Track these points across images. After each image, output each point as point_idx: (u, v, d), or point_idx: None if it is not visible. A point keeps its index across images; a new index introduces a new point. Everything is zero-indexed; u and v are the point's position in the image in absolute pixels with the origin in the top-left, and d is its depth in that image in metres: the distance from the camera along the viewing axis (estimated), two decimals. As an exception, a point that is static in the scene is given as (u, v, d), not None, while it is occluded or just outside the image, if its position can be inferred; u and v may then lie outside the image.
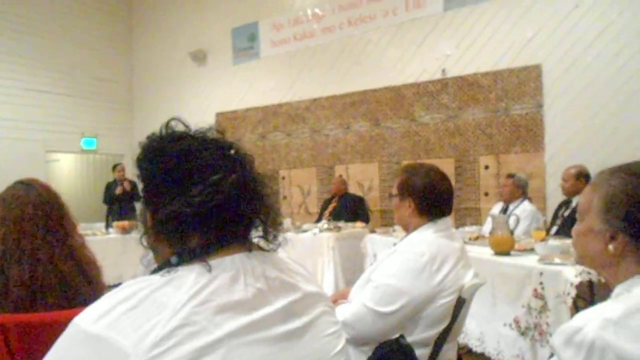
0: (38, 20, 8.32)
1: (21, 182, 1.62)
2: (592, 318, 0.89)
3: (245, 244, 0.88)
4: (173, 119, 0.91)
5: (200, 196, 0.82)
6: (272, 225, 0.92)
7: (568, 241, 3.22)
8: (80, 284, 1.54)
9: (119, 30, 9.66)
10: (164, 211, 0.84)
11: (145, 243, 0.92)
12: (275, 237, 0.93)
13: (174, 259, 0.84)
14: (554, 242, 3.12)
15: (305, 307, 0.90)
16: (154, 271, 0.84)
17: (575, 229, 1.11)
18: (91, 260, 1.63)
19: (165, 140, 0.88)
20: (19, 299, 1.43)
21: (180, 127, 0.91)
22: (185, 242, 0.85)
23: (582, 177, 4.19)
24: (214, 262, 0.82)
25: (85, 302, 1.52)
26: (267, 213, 0.91)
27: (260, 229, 0.92)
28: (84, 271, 1.57)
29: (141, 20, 9.73)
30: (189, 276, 0.79)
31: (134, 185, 7.62)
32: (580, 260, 1.14)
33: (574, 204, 4.18)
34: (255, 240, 0.92)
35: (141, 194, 0.92)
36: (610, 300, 0.99)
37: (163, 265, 0.85)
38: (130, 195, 7.55)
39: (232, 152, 0.89)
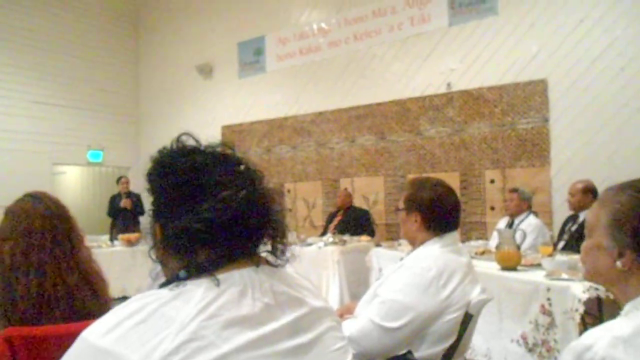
0: (45, 33, 8.41)
1: (30, 195, 1.63)
2: (602, 336, 0.89)
3: (253, 259, 0.88)
4: (184, 133, 0.92)
5: (210, 212, 0.82)
6: (280, 240, 0.92)
7: (576, 257, 3.20)
8: (86, 297, 1.54)
9: (125, 43, 9.76)
10: (173, 226, 0.84)
11: (154, 256, 0.92)
12: (283, 252, 0.93)
13: (182, 273, 0.84)
14: (561, 257, 3.10)
15: (312, 322, 0.89)
16: (162, 285, 0.84)
17: (584, 245, 1.11)
18: (97, 273, 1.64)
19: (176, 155, 0.89)
20: (26, 311, 1.43)
21: (190, 142, 0.91)
22: (193, 257, 0.85)
23: (589, 191, 4.17)
24: (222, 276, 0.82)
25: (92, 315, 1.53)
26: (276, 228, 0.91)
27: (268, 244, 0.92)
28: (91, 284, 1.58)
29: (148, 34, 9.83)
30: (197, 290, 0.79)
31: (138, 198, 7.66)
32: (589, 276, 1.14)
33: (581, 218, 4.16)
34: (263, 255, 0.92)
35: (151, 207, 0.92)
36: (619, 317, 0.98)
37: (171, 279, 0.85)
38: (134, 208, 7.58)
39: (242, 167, 0.90)
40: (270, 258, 0.93)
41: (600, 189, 4.21)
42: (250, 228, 0.86)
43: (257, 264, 0.88)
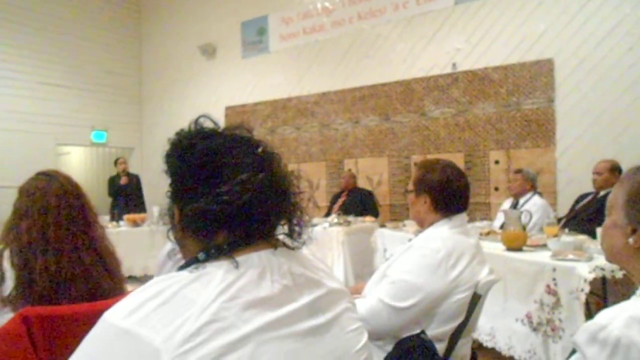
0: (49, 15, 8.35)
1: (43, 174, 1.63)
2: (617, 316, 0.89)
3: (271, 241, 0.89)
4: (202, 116, 0.92)
5: (228, 194, 0.83)
6: (297, 223, 0.93)
7: (581, 237, 3.22)
8: (101, 276, 1.55)
9: (129, 24, 9.68)
10: (192, 208, 0.85)
11: (172, 237, 0.93)
12: (300, 234, 0.94)
13: (201, 256, 0.84)
14: (567, 238, 3.11)
15: (330, 303, 0.91)
16: (182, 267, 0.85)
17: (603, 225, 1.12)
18: (111, 253, 1.65)
19: (194, 137, 0.89)
20: (44, 290, 1.44)
21: (208, 124, 0.91)
22: (211, 239, 0.86)
23: (615, 170, 4.16)
24: (241, 258, 0.83)
25: (106, 294, 1.54)
26: (293, 211, 0.92)
27: (285, 226, 0.93)
28: (105, 263, 1.59)
29: (151, 14, 9.74)
30: (217, 272, 0.80)
31: (137, 178, 7.76)
32: (606, 255, 1.14)
33: (600, 195, 4.15)
34: (280, 237, 0.93)
35: (169, 189, 0.92)
36: (634, 297, 0.99)
37: (190, 261, 0.86)
38: (137, 188, 7.69)
39: (260, 150, 0.90)
40: (287, 241, 0.93)
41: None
42: (268, 210, 0.87)
43: (275, 247, 0.88)
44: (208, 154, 0.86)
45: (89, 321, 0.80)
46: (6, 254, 1.52)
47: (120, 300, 0.79)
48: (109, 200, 7.97)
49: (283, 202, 0.90)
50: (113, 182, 7.85)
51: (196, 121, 0.91)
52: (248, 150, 0.89)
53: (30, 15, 8.09)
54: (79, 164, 10.23)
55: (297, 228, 0.94)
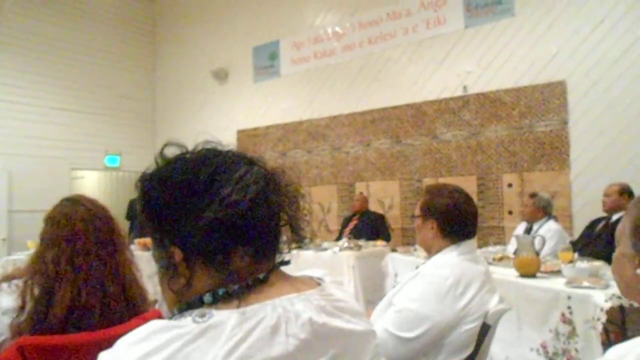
0: (64, 41, 8.55)
1: (67, 199, 1.58)
2: (627, 353, 0.84)
3: (295, 284, 0.83)
4: (168, 144, 0.85)
5: (234, 194, 0.77)
6: (298, 219, 0.88)
7: (597, 263, 3.13)
8: (120, 307, 1.45)
9: (142, 49, 9.86)
10: (202, 222, 0.77)
11: (175, 287, 0.82)
12: (302, 233, 0.88)
13: (207, 298, 0.77)
14: (582, 264, 3.02)
15: (353, 355, 0.83)
16: (186, 307, 0.78)
17: (614, 255, 1.08)
18: (136, 280, 1.56)
19: (166, 164, 0.84)
20: (60, 321, 1.38)
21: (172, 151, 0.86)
22: (228, 261, 0.78)
23: (625, 193, 4.09)
24: (253, 308, 0.75)
25: (122, 323, 1.46)
26: (294, 205, 0.87)
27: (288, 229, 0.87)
28: (127, 293, 1.49)
29: (164, 39, 9.93)
30: (225, 326, 0.71)
31: None
32: (618, 287, 1.09)
33: (612, 220, 4.06)
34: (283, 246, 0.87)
35: (157, 236, 0.83)
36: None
37: (194, 303, 0.78)
38: None
39: (247, 157, 0.86)
40: (314, 276, 0.89)
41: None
42: (274, 208, 0.82)
43: (298, 289, 0.81)
44: (193, 167, 0.81)
45: (84, 351, 0.76)
46: (29, 284, 1.45)
47: (117, 342, 0.72)
48: (126, 224, 7.99)
49: (282, 196, 0.84)
50: (132, 205, 7.87)
51: (161, 152, 0.85)
52: (229, 152, 0.85)
53: (44, 41, 8.28)
54: (93, 188, 10.30)
55: (299, 226, 0.87)
